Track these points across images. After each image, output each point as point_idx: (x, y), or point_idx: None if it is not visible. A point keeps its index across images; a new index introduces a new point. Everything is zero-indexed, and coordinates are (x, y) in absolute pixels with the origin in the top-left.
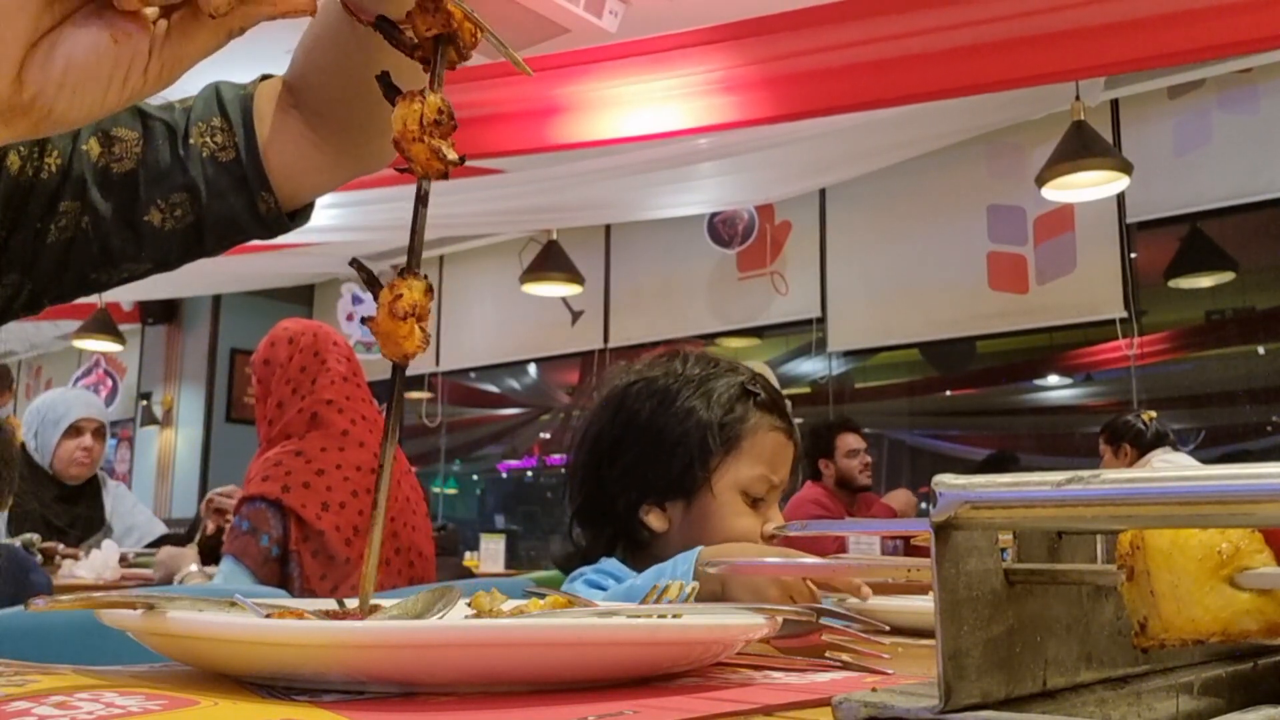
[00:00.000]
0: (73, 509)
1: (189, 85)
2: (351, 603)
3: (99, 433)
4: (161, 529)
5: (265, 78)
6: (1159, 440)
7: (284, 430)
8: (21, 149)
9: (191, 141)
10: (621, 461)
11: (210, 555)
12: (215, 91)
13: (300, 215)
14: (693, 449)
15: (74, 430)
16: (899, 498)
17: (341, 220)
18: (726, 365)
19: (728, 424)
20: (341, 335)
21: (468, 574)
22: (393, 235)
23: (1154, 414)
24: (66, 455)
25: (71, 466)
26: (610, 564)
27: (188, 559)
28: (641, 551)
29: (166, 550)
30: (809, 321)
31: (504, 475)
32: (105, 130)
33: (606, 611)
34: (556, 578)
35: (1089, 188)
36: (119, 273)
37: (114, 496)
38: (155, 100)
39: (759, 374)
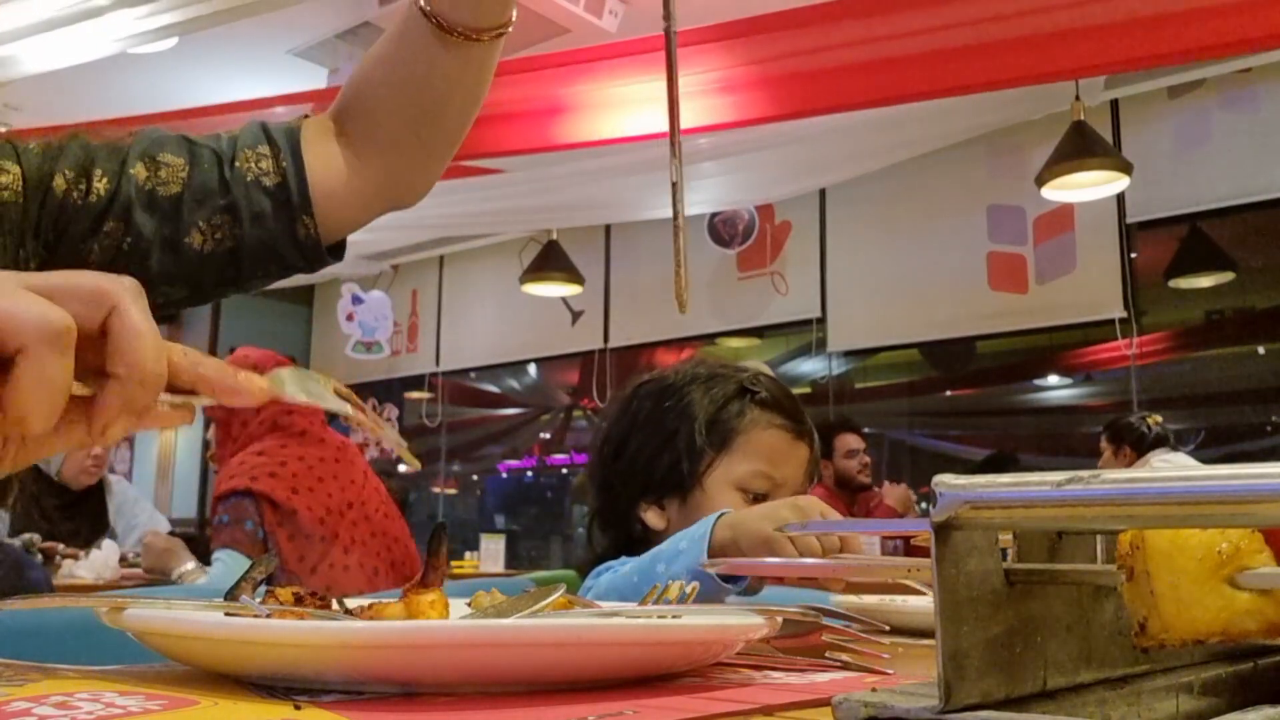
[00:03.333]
0: (79, 514)
1: (190, 88)
2: (353, 603)
3: None
4: (166, 527)
5: (306, 117)
6: (1159, 442)
7: (241, 443)
8: (69, 172)
9: (237, 165)
10: (624, 460)
11: None
12: (261, 124)
13: (336, 250)
14: (681, 446)
15: None
16: (895, 492)
17: None
18: (736, 368)
19: (720, 421)
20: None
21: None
22: (393, 235)
23: (1159, 418)
24: (76, 465)
25: (81, 475)
26: (620, 563)
27: (179, 555)
28: (642, 549)
29: (153, 534)
30: (809, 321)
31: (504, 475)
32: (152, 155)
33: (607, 612)
34: (557, 578)
35: (1089, 188)
36: (154, 296)
37: (117, 496)
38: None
39: (762, 373)
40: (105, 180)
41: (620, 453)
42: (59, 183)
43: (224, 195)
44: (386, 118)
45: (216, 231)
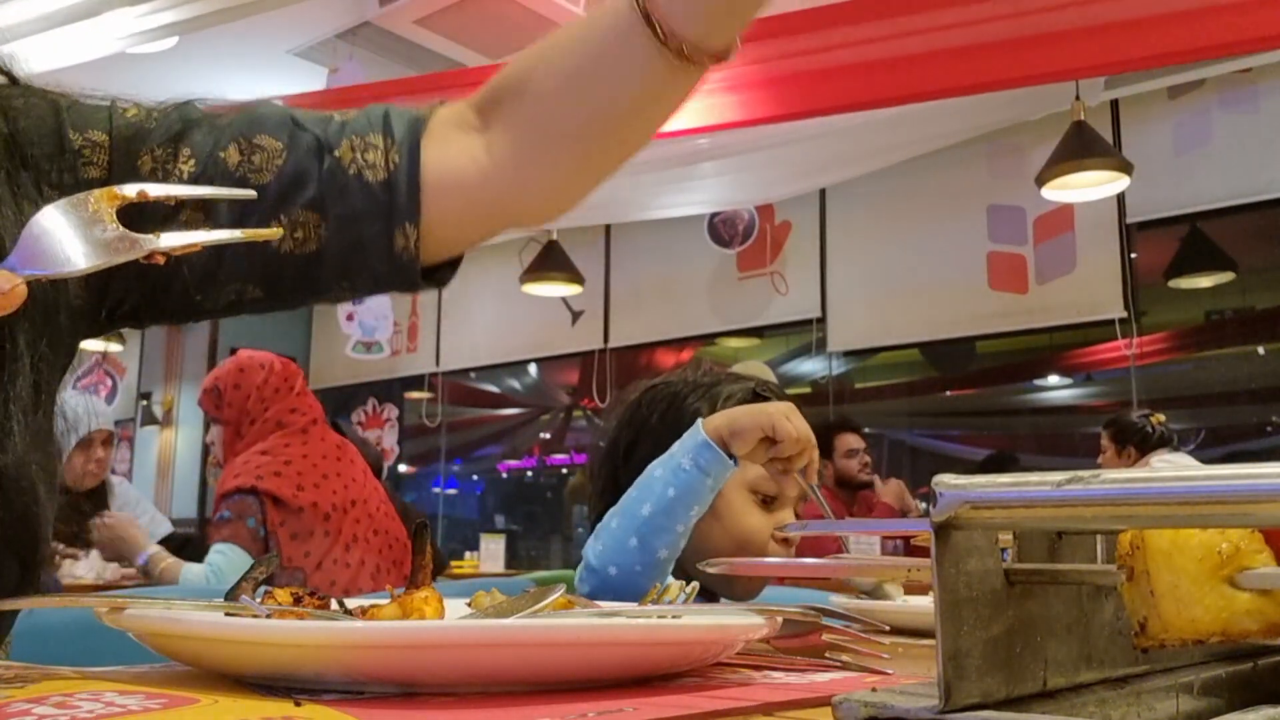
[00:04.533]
0: (82, 517)
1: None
2: (352, 603)
3: (107, 441)
4: (168, 527)
5: (441, 104)
6: (1162, 442)
7: (249, 441)
8: (157, 150)
9: (338, 154)
10: (634, 464)
11: None
12: (384, 109)
13: (438, 274)
14: None
15: (83, 444)
16: (890, 487)
17: None
18: (736, 375)
19: None
20: (297, 366)
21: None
22: None
23: (1162, 417)
24: (79, 469)
25: (84, 479)
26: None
27: (137, 538)
28: None
29: (116, 518)
30: (809, 321)
31: (504, 475)
32: (249, 137)
33: (606, 612)
34: (557, 578)
35: (1089, 188)
36: (224, 294)
37: (119, 498)
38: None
39: (769, 380)
40: (191, 163)
41: (630, 456)
42: (145, 162)
43: (314, 187)
44: (555, 114)
45: (298, 230)
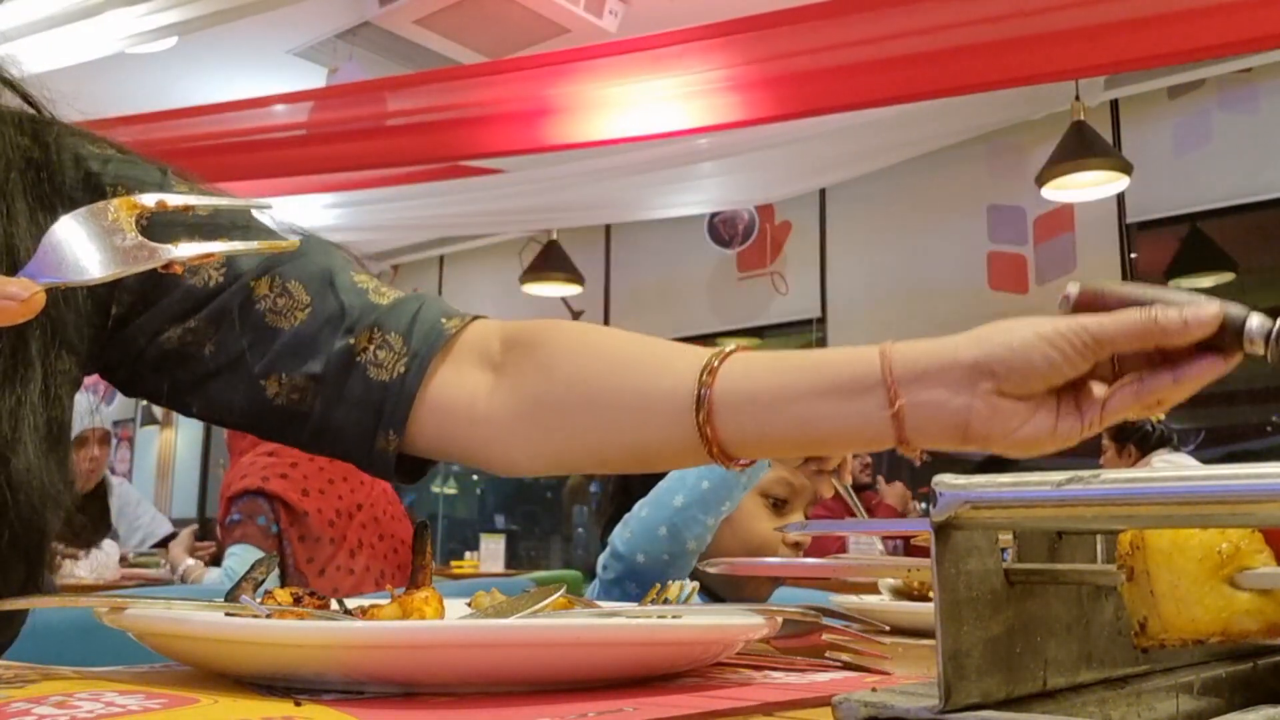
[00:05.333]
0: (80, 516)
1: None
2: (352, 602)
3: (104, 439)
4: (167, 528)
5: (478, 318)
6: (1162, 442)
7: (254, 440)
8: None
9: (354, 340)
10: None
11: None
12: (417, 304)
13: (414, 470)
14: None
15: (79, 442)
16: (893, 490)
17: (341, 220)
18: None
19: None
20: None
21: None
22: (393, 235)
23: (1162, 416)
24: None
25: (81, 478)
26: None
27: (179, 561)
28: None
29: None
30: (809, 321)
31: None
32: (284, 278)
33: (606, 612)
34: (557, 578)
35: (1089, 188)
36: (212, 412)
37: (119, 498)
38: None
39: None
40: (220, 272)
41: None
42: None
43: (321, 362)
44: (566, 415)
45: (295, 391)
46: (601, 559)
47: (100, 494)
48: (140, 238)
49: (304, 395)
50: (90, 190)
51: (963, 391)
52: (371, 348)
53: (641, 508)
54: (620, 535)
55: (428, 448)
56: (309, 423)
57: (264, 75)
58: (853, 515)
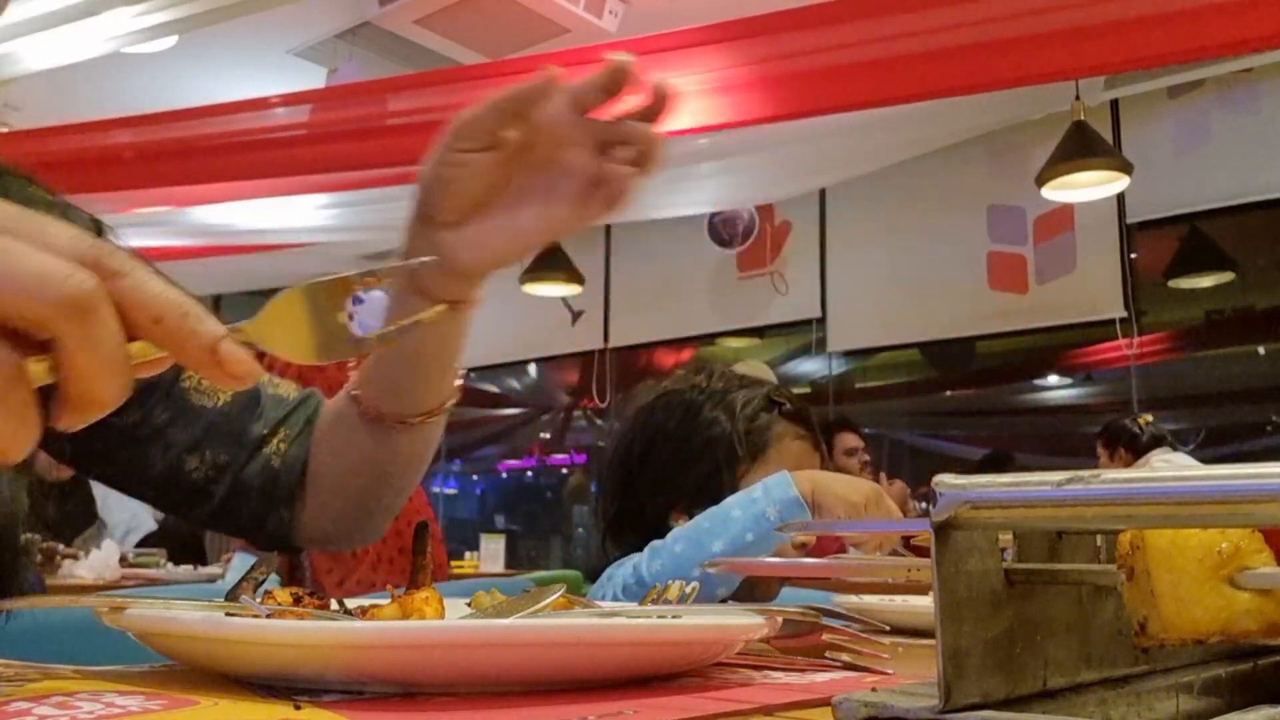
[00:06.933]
0: (63, 507)
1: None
2: (352, 603)
3: None
4: (151, 525)
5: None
6: (1156, 442)
7: None
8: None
9: (265, 431)
10: (650, 470)
11: None
12: (319, 402)
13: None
14: (719, 457)
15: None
16: (893, 489)
17: (341, 220)
18: (746, 379)
19: (754, 432)
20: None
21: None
22: (393, 235)
23: (1149, 417)
24: (46, 460)
25: (55, 469)
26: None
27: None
28: None
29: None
30: (809, 321)
31: (504, 475)
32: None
33: (606, 612)
34: (557, 578)
35: (1089, 188)
36: (121, 479)
37: (101, 494)
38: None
39: (782, 389)
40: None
41: (645, 462)
42: None
43: (233, 450)
44: (330, 496)
45: (210, 470)
46: (620, 577)
47: (83, 488)
48: (349, 323)
49: (211, 476)
50: None
51: (426, 242)
52: (276, 443)
53: (676, 541)
54: (648, 565)
55: (311, 527)
56: (213, 502)
57: (264, 75)
58: None
